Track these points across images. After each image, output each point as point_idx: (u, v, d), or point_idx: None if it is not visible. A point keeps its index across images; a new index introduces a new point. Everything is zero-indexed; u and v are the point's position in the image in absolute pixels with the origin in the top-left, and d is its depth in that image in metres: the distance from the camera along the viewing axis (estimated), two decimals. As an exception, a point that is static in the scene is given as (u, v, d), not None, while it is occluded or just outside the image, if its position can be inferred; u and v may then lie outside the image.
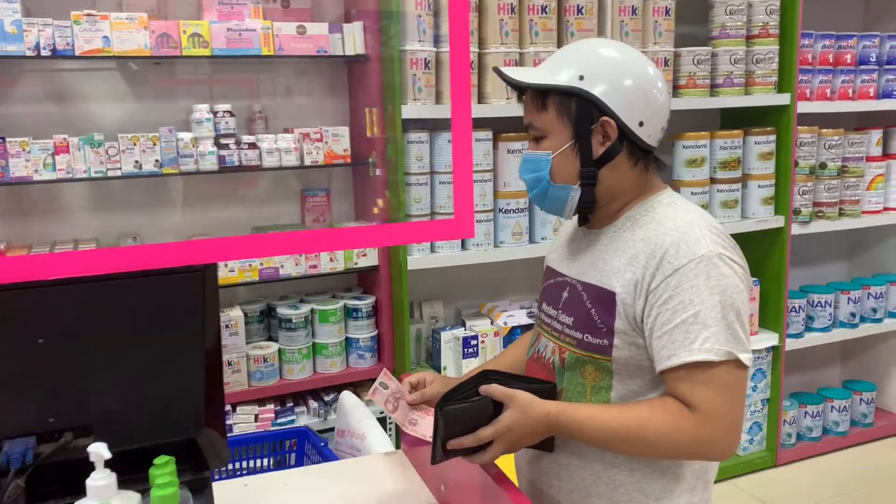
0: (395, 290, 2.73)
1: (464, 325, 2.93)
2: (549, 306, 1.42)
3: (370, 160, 2.72)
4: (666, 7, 2.91)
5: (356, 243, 1.18)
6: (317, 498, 1.56)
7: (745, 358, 1.21)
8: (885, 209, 3.53)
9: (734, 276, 1.22)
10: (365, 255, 2.72)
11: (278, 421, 2.64)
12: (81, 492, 1.04)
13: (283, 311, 2.69)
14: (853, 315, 3.51)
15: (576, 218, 1.40)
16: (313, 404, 2.74)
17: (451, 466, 1.45)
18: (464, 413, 1.22)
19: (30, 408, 1.04)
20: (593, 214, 1.36)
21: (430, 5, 2.61)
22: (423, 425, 1.44)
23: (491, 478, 1.28)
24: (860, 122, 3.59)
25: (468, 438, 1.23)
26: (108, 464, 1.02)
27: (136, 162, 2.41)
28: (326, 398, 2.76)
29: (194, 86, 2.67)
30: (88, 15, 2.29)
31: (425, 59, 2.60)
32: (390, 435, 2.53)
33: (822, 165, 3.32)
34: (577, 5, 2.77)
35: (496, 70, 1.36)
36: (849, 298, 3.49)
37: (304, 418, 2.71)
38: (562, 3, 2.78)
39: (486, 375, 1.30)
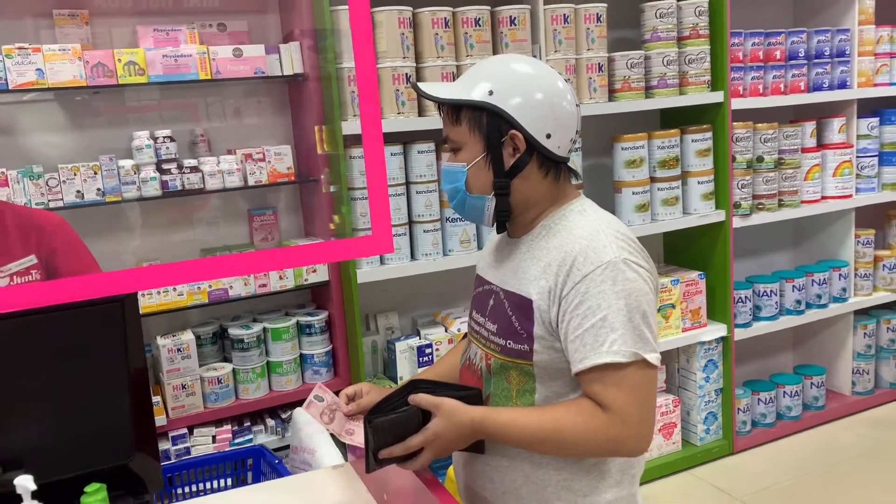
0: (347, 304, 2.76)
1: (419, 334, 2.97)
2: (478, 314, 1.47)
3: (323, 177, 2.75)
4: (597, 14, 2.99)
5: (271, 266, 1.19)
6: (265, 515, 1.59)
7: (652, 358, 1.26)
8: (823, 198, 3.65)
9: (639, 279, 1.28)
10: (315, 270, 2.75)
11: (236, 441, 2.66)
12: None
13: (235, 331, 2.71)
14: (798, 302, 3.62)
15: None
16: (270, 422, 2.76)
17: (390, 476, 1.49)
18: (391, 424, 1.27)
19: (-43, 443, 1.06)
20: (510, 223, 1.41)
21: (365, 22, 2.65)
22: (359, 435, 1.47)
23: (423, 483, 1.32)
24: (793, 116, 3.71)
25: (398, 447, 1.28)
26: (38, 495, 1.04)
27: (78, 192, 2.41)
28: (283, 415, 2.78)
29: (133, 113, 2.68)
30: (20, 48, 2.29)
31: (362, 75, 2.63)
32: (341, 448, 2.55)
33: (760, 159, 3.42)
34: (510, 17, 2.83)
35: (412, 85, 1.42)
36: (793, 286, 3.60)
37: (262, 437, 2.73)
38: (495, 16, 2.84)
39: (414, 385, 1.34)
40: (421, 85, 1.39)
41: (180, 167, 2.54)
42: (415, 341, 2.89)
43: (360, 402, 1.51)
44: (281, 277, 2.69)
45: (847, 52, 3.57)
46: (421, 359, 2.85)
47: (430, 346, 2.87)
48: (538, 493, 1.37)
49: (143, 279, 1.18)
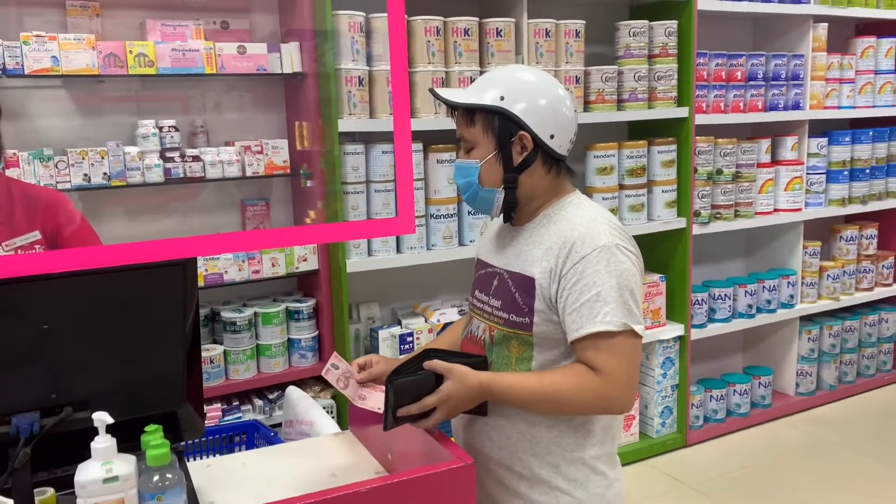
0: (335, 293, 2.91)
1: (399, 323, 3.14)
2: (482, 293, 1.66)
3: (302, 172, 2.90)
4: (576, 30, 3.21)
5: (309, 239, 1.32)
6: (276, 473, 1.74)
7: (639, 329, 1.46)
8: (776, 210, 3.92)
9: (628, 262, 1.48)
10: (305, 259, 2.90)
11: (225, 419, 2.79)
12: (79, 460, 1.20)
13: (227, 314, 2.84)
14: (750, 307, 3.89)
15: (501, 216, 1.64)
16: (258, 402, 2.90)
17: (396, 438, 1.66)
18: (410, 385, 1.44)
19: (34, 385, 1.20)
20: (516, 213, 1.61)
21: (362, 27, 2.82)
22: (371, 400, 1.64)
23: (434, 439, 1.49)
24: (751, 133, 3.98)
25: (415, 406, 1.45)
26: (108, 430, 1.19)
27: (85, 175, 2.53)
28: (271, 396, 2.92)
29: (137, 102, 2.80)
30: (37, 36, 2.40)
31: (359, 76, 2.80)
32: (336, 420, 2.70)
33: (719, 172, 3.68)
34: (497, 28, 3.03)
35: (432, 91, 1.60)
36: (746, 291, 3.87)
37: (250, 415, 2.86)
38: (483, 27, 3.04)
39: (427, 353, 1.51)
40: (439, 91, 1.58)
41: (183, 156, 2.67)
42: (396, 330, 3.05)
43: (371, 371, 1.68)
44: (274, 265, 2.83)
45: (801, 76, 3.86)
46: (402, 347, 3.02)
47: (411, 335, 3.04)
48: (531, 448, 1.56)
49: (200, 246, 1.33)
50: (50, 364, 1.21)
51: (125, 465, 1.17)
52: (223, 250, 1.07)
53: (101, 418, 1.16)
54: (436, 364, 1.47)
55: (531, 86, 1.55)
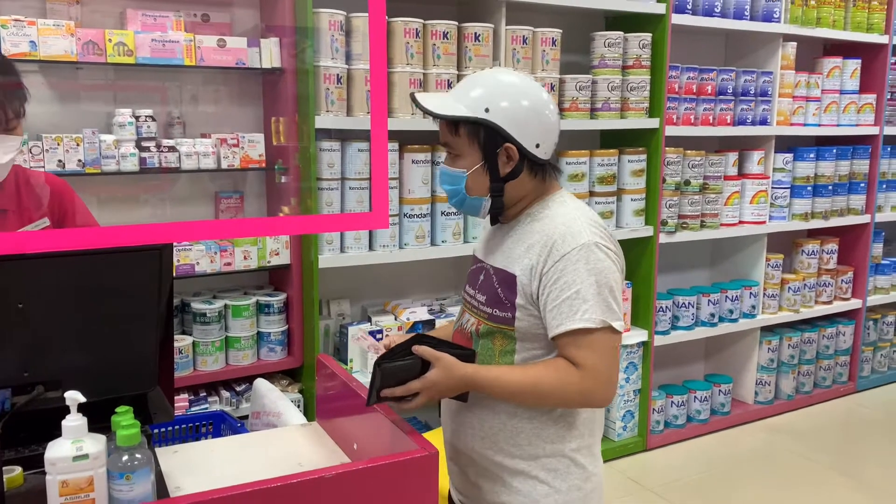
0: (306, 288, 2.94)
1: (370, 320, 3.17)
2: (470, 287, 1.71)
3: (276, 167, 2.92)
4: (553, 38, 3.27)
5: (284, 230, 1.34)
6: (243, 461, 1.76)
7: (618, 325, 1.50)
8: (741, 222, 4.02)
9: (608, 259, 1.51)
10: (278, 253, 2.92)
11: (192, 409, 2.79)
12: (47, 439, 1.22)
13: (197, 305, 2.85)
14: (713, 315, 3.98)
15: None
16: (225, 394, 2.91)
17: (360, 428, 1.69)
18: (396, 369, 1.49)
19: (7, 363, 1.21)
20: (502, 216, 1.65)
21: (342, 25, 2.86)
22: None
23: (400, 430, 1.53)
24: (719, 146, 4.08)
25: (399, 389, 1.50)
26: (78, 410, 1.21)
27: (60, 161, 2.53)
28: (238, 388, 2.94)
29: (114, 91, 2.80)
30: (16, 20, 2.40)
31: (337, 74, 2.84)
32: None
33: (687, 182, 3.76)
34: (475, 33, 3.08)
35: (413, 98, 1.58)
36: (709, 300, 3.96)
37: (216, 407, 2.87)
38: (462, 31, 3.09)
39: (418, 338, 1.55)
40: (419, 97, 1.57)
41: (159, 146, 2.68)
42: (366, 327, 3.09)
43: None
44: (246, 258, 2.85)
45: (769, 93, 3.97)
46: (371, 343, 3.05)
47: (381, 332, 3.07)
48: (512, 439, 1.61)
49: (177, 232, 1.36)
50: (23, 342, 1.22)
51: (95, 443, 1.19)
52: (200, 237, 1.09)
53: (74, 397, 1.18)
54: (425, 351, 1.50)
55: (514, 94, 1.55)
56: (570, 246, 1.50)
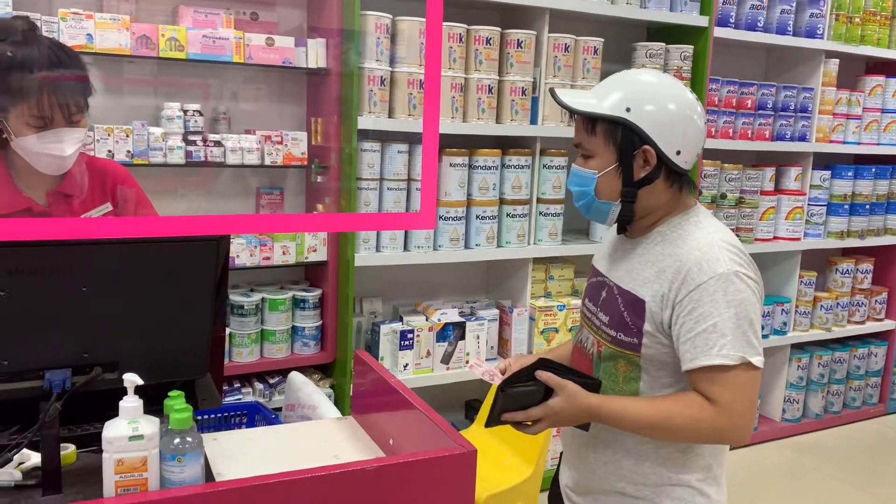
0: (341, 284, 2.98)
1: (401, 320, 3.20)
2: (591, 302, 1.64)
3: (313, 166, 2.97)
4: (595, 47, 3.28)
5: (338, 226, 1.38)
6: (280, 451, 1.80)
7: (757, 361, 1.40)
8: (775, 238, 4.00)
9: (748, 290, 1.41)
10: (315, 250, 2.96)
11: (226, 399, 2.85)
12: (104, 419, 1.26)
13: (235, 298, 2.90)
14: (743, 330, 3.95)
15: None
16: (259, 386, 2.96)
17: (397, 424, 1.72)
18: (518, 395, 1.47)
19: (70, 344, 1.26)
20: (631, 226, 1.55)
21: (388, 28, 2.90)
22: None
23: (437, 426, 1.55)
24: (756, 160, 4.06)
25: (520, 414, 1.46)
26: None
27: (109, 151, 2.59)
28: (271, 381, 2.98)
29: (162, 86, 2.86)
30: (74, 13, 2.47)
31: (381, 76, 2.88)
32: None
33: (723, 196, 3.75)
34: (518, 39, 3.11)
35: (552, 93, 1.53)
36: (740, 315, 3.93)
37: (248, 398, 2.92)
38: (504, 37, 3.11)
39: (542, 363, 1.50)
40: (560, 94, 1.50)
41: (205, 140, 2.74)
42: (398, 326, 3.12)
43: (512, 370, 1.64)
44: (284, 253, 2.90)
45: (809, 109, 3.95)
46: (402, 342, 3.08)
47: (411, 331, 3.11)
48: (636, 467, 1.55)
49: (237, 225, 1.40)
50: (85, 325, 1.27)
51: (150, 425, 1.23)
52: (263, 230, 1.12)
53: (132, 379, 1.22)
54: (549, 377, 1.45)
55: (660, 97, 1.46)
56: (707, 275, 1.40)
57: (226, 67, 2.89)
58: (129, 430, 1.21)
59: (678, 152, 1.46)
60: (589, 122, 1.48)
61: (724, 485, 1.62)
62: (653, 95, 1.46)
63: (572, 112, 1.50)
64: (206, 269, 1.33)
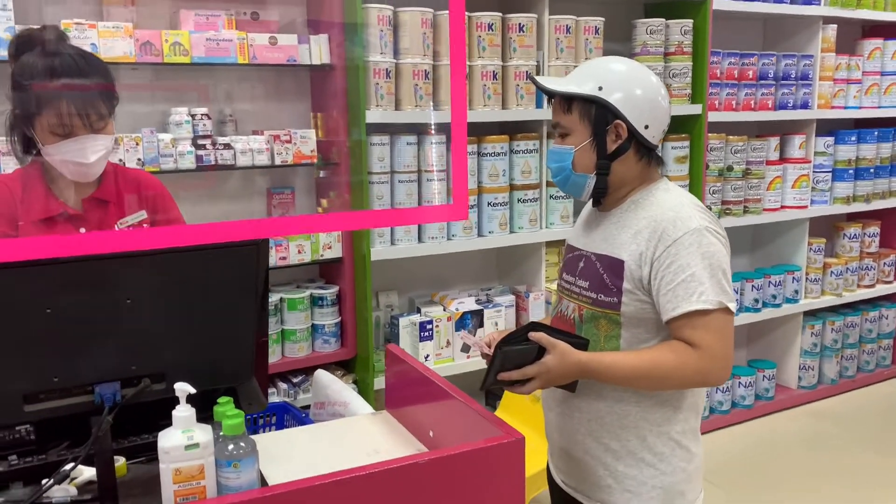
0: (358, 280, 2.98)
1: (419, 311, 3.21)
2: (569, 275, 1.75)
3: (315, 163, 2.95)
4: (595, 27, 3.27)
5: (369, 223, 1.37)
6: (321, 450, 1.80)
7: (732, 306, 1.54)
8: (783, 207, 4.01)
9: (718, 244, 1.56)
10: (330, 247, 2.96)
11: (251, 401, 2.85)
12: (154, 430, 1.26)
13: (253, 299, 2.89)
14: (756, 301, 3.97)
15: (589, 204, 1.74)
16: (283, 386, 2.96)
17: (435, 416, 1.73)
18: (516, 354, 1.54)
19: (117, 357, 1.26)
20: (605, 198, 1.68)
21: (390, 20, 2.88)
22: None
23: (479, 416, 1.56)
24: (760, 130, 4.06)
25: (516, 373, 1.54)
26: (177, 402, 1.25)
27: (120, 160, 2.58)
28: (294, 380, 2.99)
29: (167, 91, 2.84)
30: (77, 23, 2.45)
31: (386, 69, 2.86)
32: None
33: (729, 168, 3.76)
34: (519, 24, 3.10)
35: (531, 78, 1.69)
36: (752, 286, 3.95)
37: (274, 398, 2.92)
38: (506, 22, 3.10)
39: (533, 325, 1.59)
40: (538, 78, 1.66)
41: (214, 143, 2.72)
42: (416, 318, 3.12)
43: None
44: (300, 251, 2.89)
45: (810, 76, 3.94)
46: (422, 334, 3.09)
47: (430, 322, 3.11)
48: (619, 421, 1.65)
49: (274, 227, 1.40)
50: (131, 337, 1.27)
51: (204, 433, 1.23)
52: (297, 231, 1.12)
53: (183, 388, 1.22)
54: (542, 337, 1.54)
55: (628, 76, 1.62)
56: (681, 231, 1.54)
57: (229, 69, 2.87)
58: (184, 439, 1.21)
59: (646, 126, 1.60)
60: (565, 102, 1.63)
61: (700, 438, 1.72)
62: (623, 78, 1.62)
63: (551, 95, 1.66)
64: (246, 273, 1.32)
